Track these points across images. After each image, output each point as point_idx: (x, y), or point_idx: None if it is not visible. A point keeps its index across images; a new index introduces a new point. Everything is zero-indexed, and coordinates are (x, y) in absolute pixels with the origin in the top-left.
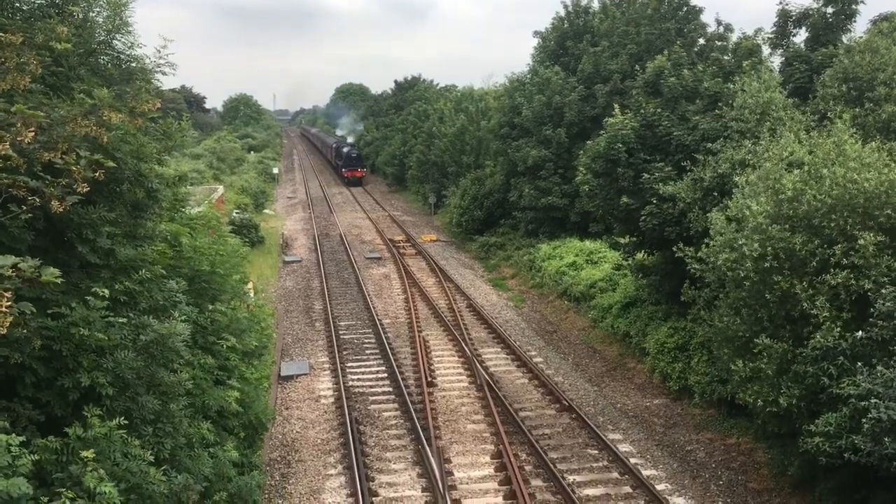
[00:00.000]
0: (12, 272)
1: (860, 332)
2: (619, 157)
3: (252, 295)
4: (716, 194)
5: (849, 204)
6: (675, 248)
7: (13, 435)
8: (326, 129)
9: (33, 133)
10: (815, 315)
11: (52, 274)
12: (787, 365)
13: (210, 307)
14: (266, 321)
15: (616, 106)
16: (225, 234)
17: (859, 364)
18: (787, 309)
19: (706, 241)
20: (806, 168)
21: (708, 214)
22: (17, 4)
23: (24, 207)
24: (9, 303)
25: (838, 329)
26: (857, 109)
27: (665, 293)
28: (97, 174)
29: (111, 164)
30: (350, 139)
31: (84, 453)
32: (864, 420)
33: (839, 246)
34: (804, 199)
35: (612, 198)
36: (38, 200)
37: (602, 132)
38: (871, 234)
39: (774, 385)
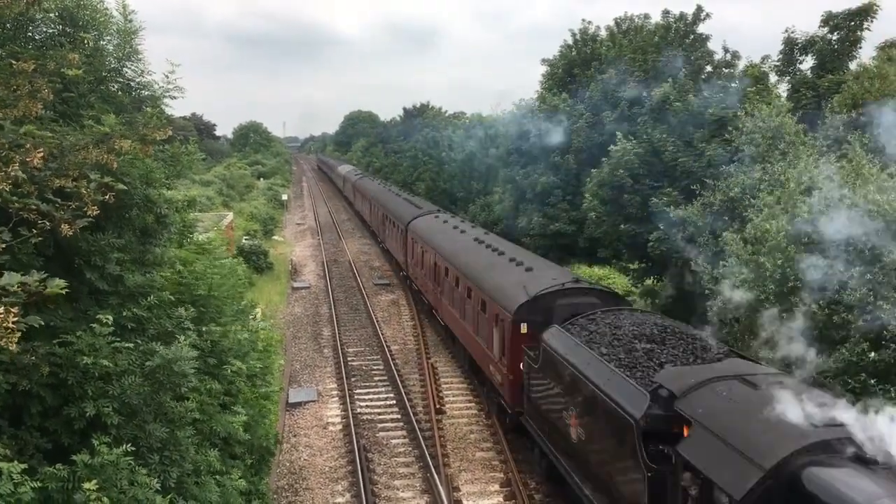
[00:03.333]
0: (18, 287)
1: (873, 354)
2: (623, 183)
3: (259, 320)
4: (726, 218)
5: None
6: (692, 263)
7: (15, 462)
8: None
9: (42, 155)
10: (833, 338)
11: (57, 286)
12: None
13: (204, 329)
14: (274, 347)
15: (619, 133)
16: (221, 257)
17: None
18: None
19: (721, 262)
20: (823, 191)
21: (722, 235)
22: (30, 33)
23: (35, 231)
24: (15, 318)
25: (857, 352)
26: (867, 135)
27: (675, 318)
28: (107, 197)
29: (121, 186)
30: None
31: (87, 484)
32: None
33: (857, 269)
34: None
35: (618, 224)
36: (48, 224)
37: (608, 158)
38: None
39: None
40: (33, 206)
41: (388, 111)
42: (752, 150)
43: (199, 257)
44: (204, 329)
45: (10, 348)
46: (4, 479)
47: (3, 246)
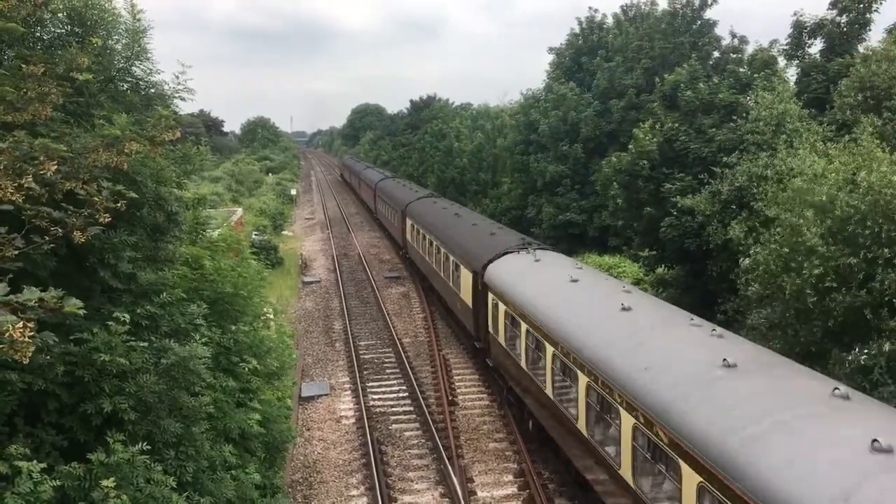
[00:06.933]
0: (35, 303)
1: (887, 345)
2: (642, 172)
3: (272, 316)
4: (734, 207)
5: (883, 210)
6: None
7: (34, 462)
8: None
9: (55, 165)
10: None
11: (74, 305)
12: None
13: (233, 328)
14: (286, 342)
15: (648, 120)
16: (247, 257)
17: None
18: (832, 322)
19: (749, 252)
20: (840, 175)
21: (731, 225)
22: (39, 35)
23: (47, 238)
24: (31, 333)
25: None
26: (875, 118)
27: (685, 306)
28: (119, 205)
29: (133, 194)
30: None
31: (105, 482)
32: None
33: (881, 251)
34: (837, 205)
35: (633, 209)
36: (60, 231)
37: (624, 146)
38: None
39: None
40: (45, 214)
41: (396, 103)
42: (757, 137)
43: (217, 254)
44: (233, 329)
45: (24, 361)
46: (24, 479)
47: (17, 252)
